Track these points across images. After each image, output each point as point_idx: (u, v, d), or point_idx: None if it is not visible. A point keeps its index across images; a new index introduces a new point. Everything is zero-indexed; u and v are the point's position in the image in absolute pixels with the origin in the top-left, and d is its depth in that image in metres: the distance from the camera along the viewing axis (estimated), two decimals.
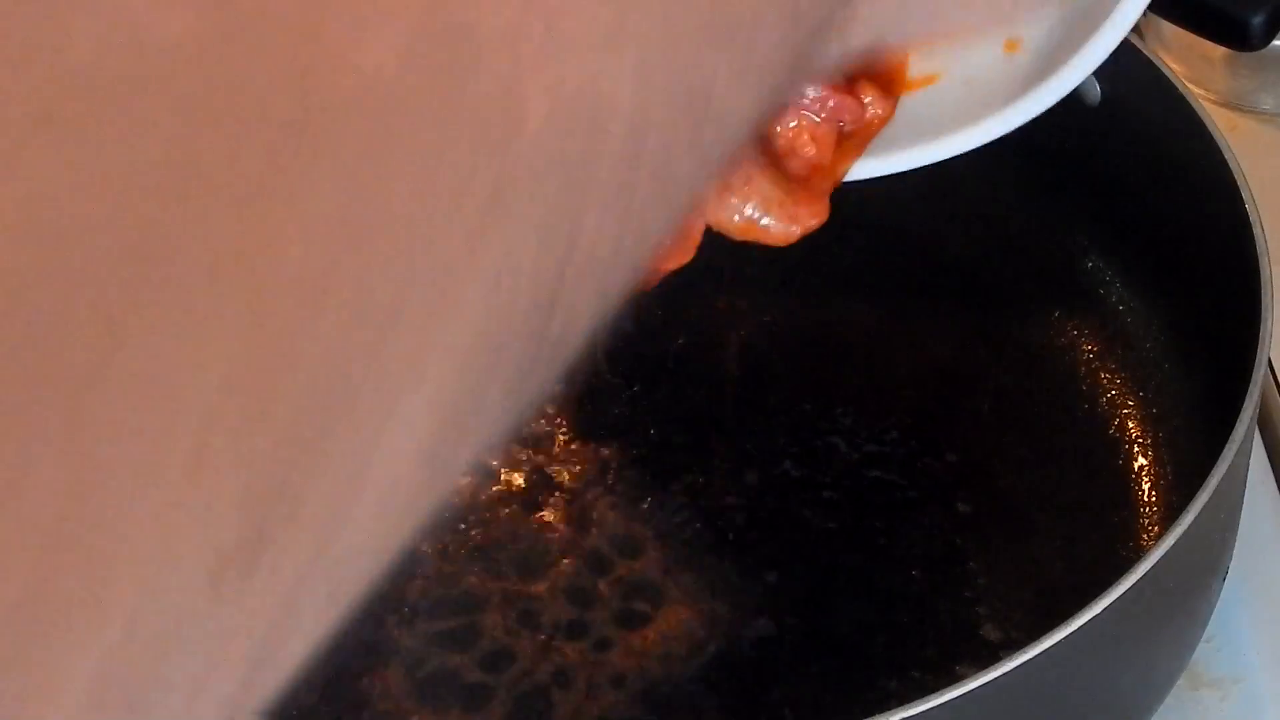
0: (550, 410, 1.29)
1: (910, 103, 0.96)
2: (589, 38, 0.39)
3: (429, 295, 0.39)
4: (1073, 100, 1.34)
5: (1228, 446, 1.05)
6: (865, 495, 1.26)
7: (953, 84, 0.97)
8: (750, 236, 0.97)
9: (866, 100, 0.99)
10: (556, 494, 1.26)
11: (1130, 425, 1.31)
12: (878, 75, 0.98)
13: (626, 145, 0.42)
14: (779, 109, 0.89)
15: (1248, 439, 1.08)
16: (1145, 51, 1.26)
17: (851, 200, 1.45)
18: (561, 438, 1.29)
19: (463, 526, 1.23)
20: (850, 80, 0.97)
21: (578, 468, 1.27)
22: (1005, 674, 0.97)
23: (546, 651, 1.16)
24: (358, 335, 0.37)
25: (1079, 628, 0.98)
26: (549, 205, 0.40)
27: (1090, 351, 1.35)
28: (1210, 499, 1.04)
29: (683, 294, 1.33)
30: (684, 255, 0.96)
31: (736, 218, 0.98)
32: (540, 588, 1.20)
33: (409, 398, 0.40)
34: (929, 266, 1.41)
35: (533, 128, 0.39)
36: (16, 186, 0.31)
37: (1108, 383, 1.33)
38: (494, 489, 1.26)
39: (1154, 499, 1.26)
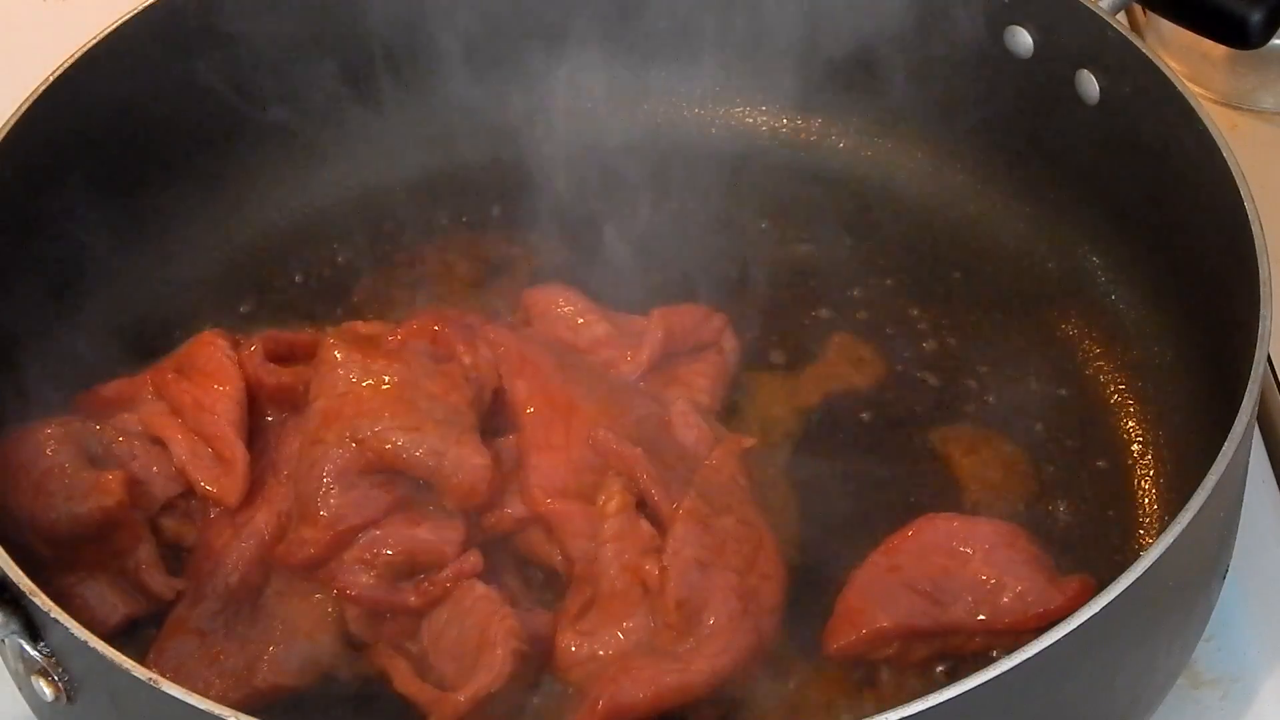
0: None
1: None
2: None
3: None
4: (1073, 100, 1.35)
5: (1227, 444, 1.05)
6: (868, 499, 1.26)
7: None
8: None
9: None
10: None
11: (1130, 425, 1.31)
12: None
13: None
14: None
15: (1247, 436, 1.08)
16: (1145, 51, 1.26)
17: (852, 202, 1.46)
18: None
19: None
20: None
21: None
22: (1005, 673, 0.97)
23: None
24: None
25: (1079, 627, 0.98)
26: None
27: (1090, 351, 1.35)
28: (1210, 498, 1.04)
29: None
30: None
31: None
32: None
33: None
34: (930, 267, 1.41)
35: None
36: None
37: (1108, 383, 1.33)
38: None
39: (1154, 498, 1.27)
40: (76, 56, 1.32)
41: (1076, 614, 0.98)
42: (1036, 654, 0.97)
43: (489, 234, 1.43)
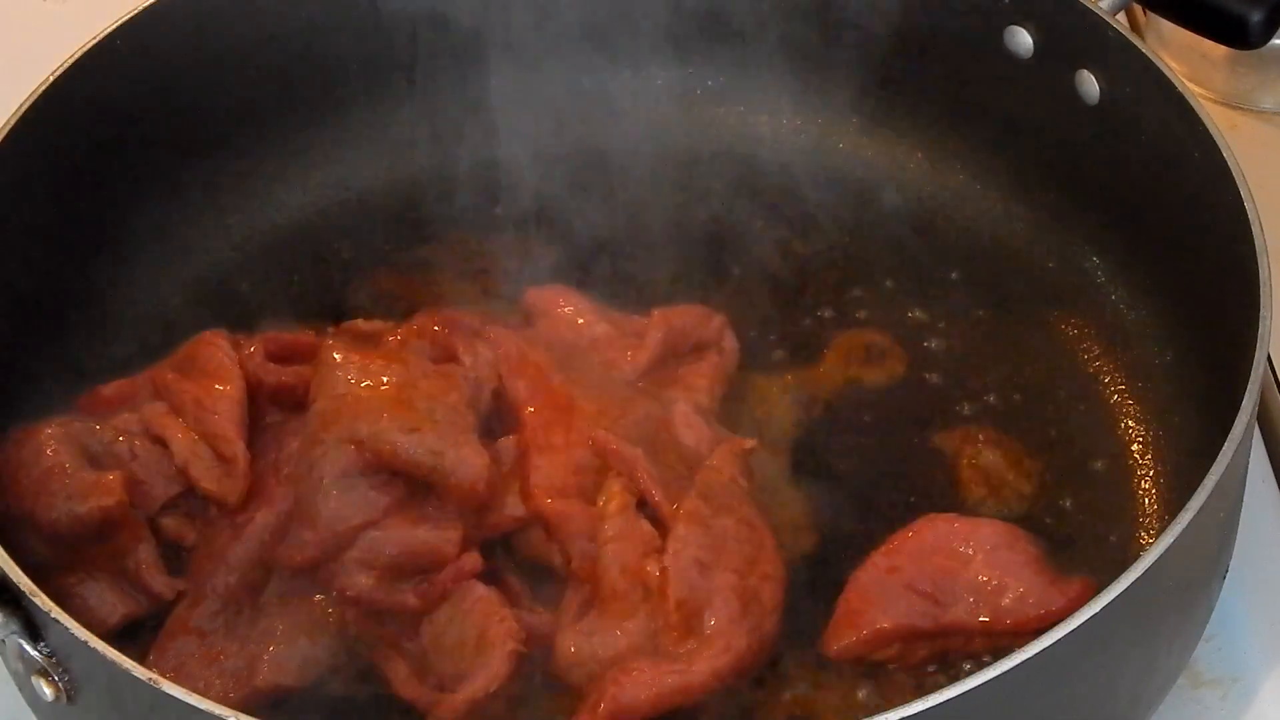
0: None
1: None
2: None
3: None
4: (1073, 100, 1.35)
5: (1227, 444, 1.05)
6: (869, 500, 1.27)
7: None
8: None
9: None
10: None
11: (1130, 425, 1.31)
12: None
13: None
14: None
15: (1247, 436, 1.08)
16: (1145, 51, 1.26)
17: (852, 202, 1.46)
18: None
19: None
20: None
21: None
22: (1005, 673, 0.97)
23: None
24: None
25: (1079, 627, 0.98)
26: None
27: (1090, 351, 1.35)
28: (1210, 498, 1.04)
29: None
30: None
31: None
32: None
33: None
34: (930, 267, 1.41)
35: None
36: None
37: (1108, 383, 1.34)
38: None
39: (1154, 498, 1.27)
40: (76, 56, 1.32)
41: (1076, 614, 0.98)
42: (1036, 654, 0.97)
43: (489, 234, 1.43)
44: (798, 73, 1.48)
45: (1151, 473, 1.28)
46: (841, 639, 1.15)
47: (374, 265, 1.43)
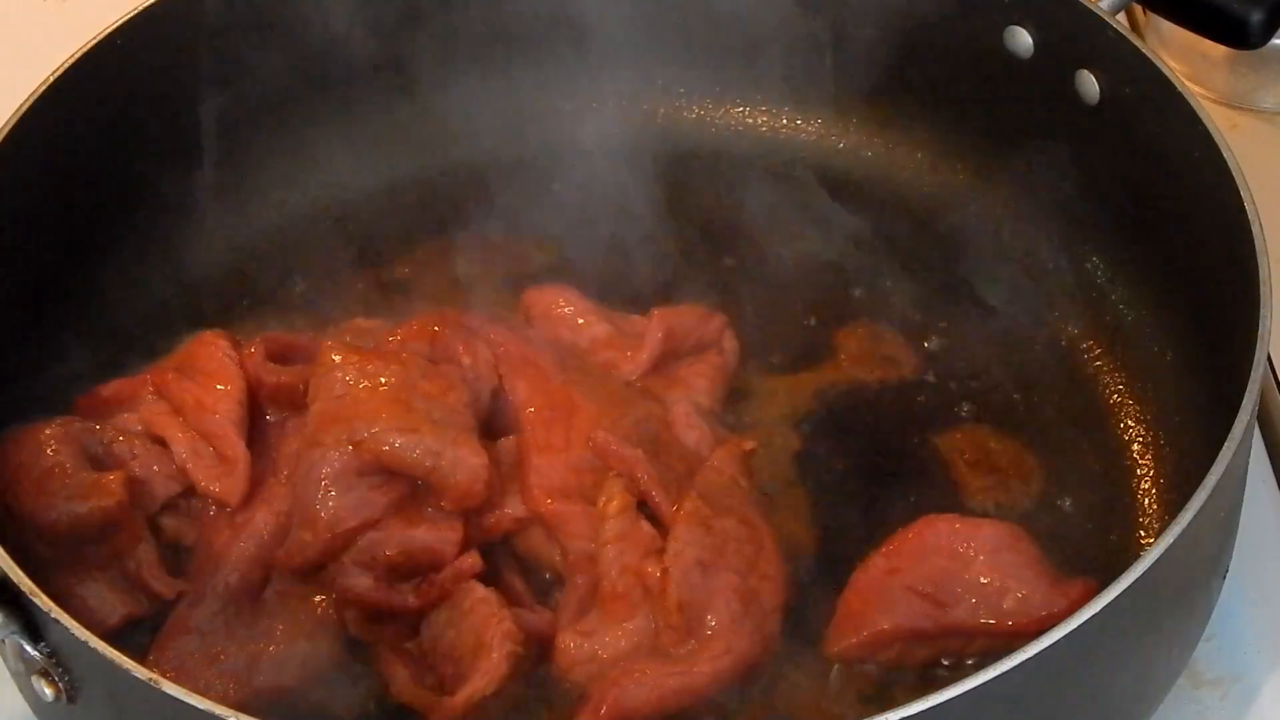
0: None
1: None
2: None
3: None
4: (1073, 100, 1.35)
5: (1227, 444, 1.05)
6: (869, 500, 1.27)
7: None
8: None
9: None
10: None
11: (1130, 425, 1.31)
12: None
13: None
14: None
15: (1247, 437, 1.08)
16: (1145, 50, 1.26)
17: (852, 202, 1.46)
18: None
19: None
20: None
21: None
22: (1005, 674, 0.97)
23: None
24: None
25: (1079, 627, 0.98)
26: None
27: (1090, 351, 1.35)
28: (1210, 498, 1.04)
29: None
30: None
31: None
32: None
33: None
34: (930, 267, 1.41)
35: None
36: None
37: (1108, 383, 1.34)
38: None
39: (1154, 498, 1.27)
40: (76, 56, 1.32)
41: (1076, 614, 0.98)
42: (1037, 654, 0.97)
43: (490, 234, 1.43)
44: (797, 72, 1.48)
45: (1151, 473, 1.28)
46: (842, 640, 1.15)
47: (374, 265, 1.43)
